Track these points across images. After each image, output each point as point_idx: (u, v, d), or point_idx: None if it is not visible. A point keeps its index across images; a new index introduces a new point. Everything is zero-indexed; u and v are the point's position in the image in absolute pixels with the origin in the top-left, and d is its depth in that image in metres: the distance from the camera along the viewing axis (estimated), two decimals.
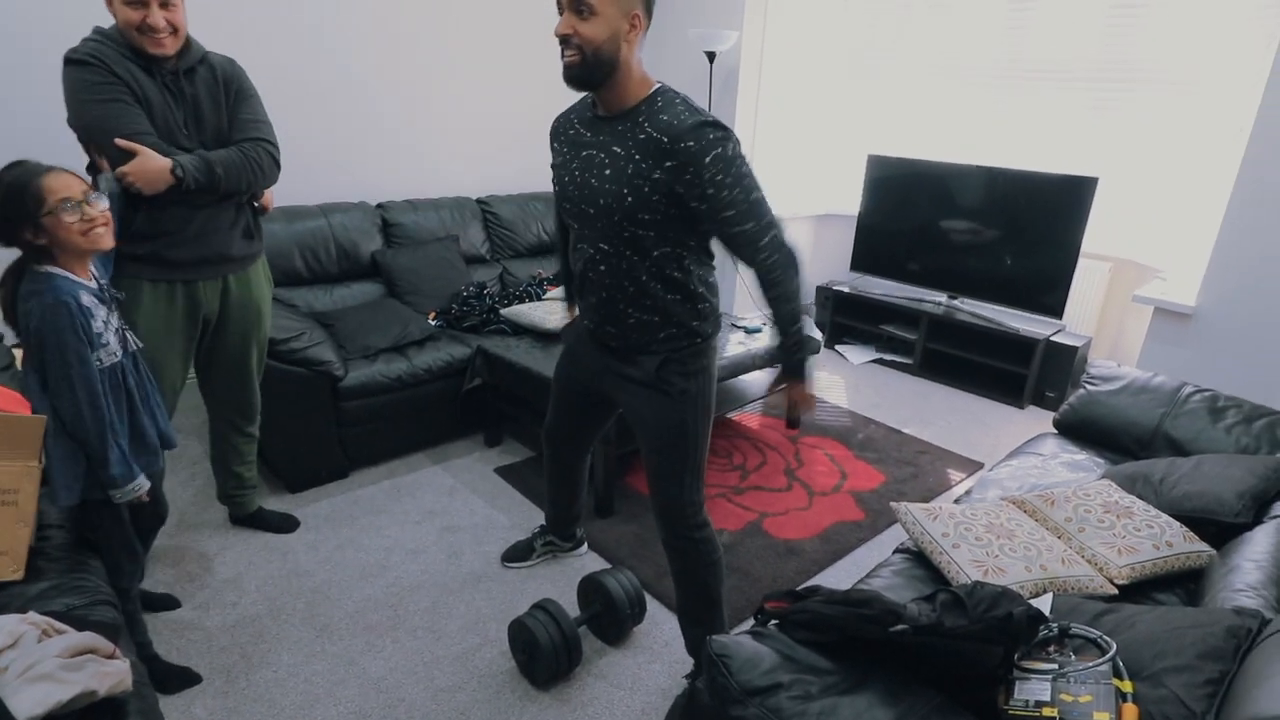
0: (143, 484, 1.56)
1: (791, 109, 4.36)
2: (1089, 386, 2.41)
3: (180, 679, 1.77)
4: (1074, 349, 3.53)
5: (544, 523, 2.31)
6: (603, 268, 1.55)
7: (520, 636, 1.83)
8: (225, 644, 1.90)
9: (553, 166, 1.63)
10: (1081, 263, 3.55)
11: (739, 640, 1.17)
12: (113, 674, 1.14)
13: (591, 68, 1.39)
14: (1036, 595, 1.50)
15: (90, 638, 1.17)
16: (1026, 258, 3.69)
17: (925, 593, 1.32)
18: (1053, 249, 3.57)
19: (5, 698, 1.03)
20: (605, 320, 1.63)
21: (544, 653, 1.76)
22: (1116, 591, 1.56)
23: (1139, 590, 1.60)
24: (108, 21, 1.77)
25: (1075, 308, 3.74)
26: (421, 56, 3.44)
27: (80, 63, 1.71)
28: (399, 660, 1.88)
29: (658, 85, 1.47)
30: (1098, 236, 3.62)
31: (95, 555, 1.64)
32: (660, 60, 4.39)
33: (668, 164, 1.39)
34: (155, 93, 1.78)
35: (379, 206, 3.29)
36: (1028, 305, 3.71)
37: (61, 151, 2.15)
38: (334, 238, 3.05)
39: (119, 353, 1.55)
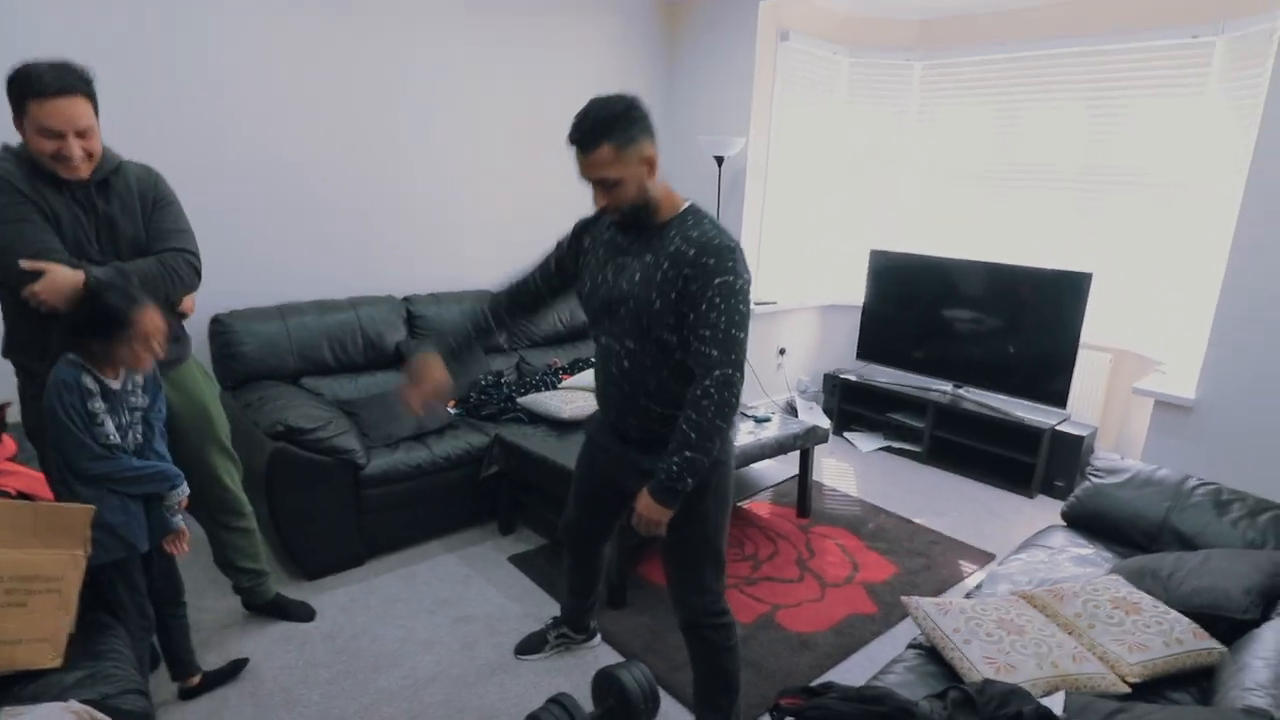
0: (185, 490, 1.80)
1: (795, 206, 4.59)
2: (1094, 479, 2.46)
3: None
4: (1080, 439, 3.58)
5: (558, 614, 2.33)
6: (627, 364, 1.64)
7: None
8: None
9: (578, 257, 1.76)
10: (1083, 353, 3.65)
11: None
12: None
13: (633, 217, 1.58)
14: (1048, 693, 1.51)
15: None
16: (1029, 347, 3.80)
17: (938, 689, 1.35)
18: (1053, 339, 3.68)
19: None
20: (627, 413, 1.71)
21: None
22: (1129, 690, 1.57)
23: (1152, 687, 1.61)
24: (14, 139, 1.75)
25: (1080, 397, 3.82)
26: (447, 159, 3.68)
27: None
28: None
29: (688, 203, 1.62)
30: (1098, 328, 3.74)
31: (121, 641, 1.68)
32: (671, 164, 4.65)
33: (686, 271, 1.51)
34: (64, 209, 1.75)
35: (405, 299, 3.45)
36: (1032, 394, 3.79)
37: None
38: (361, 329, 3.19)
39: (116, 439, 1.67)
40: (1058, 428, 3.66)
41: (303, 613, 2.42)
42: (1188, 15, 3.37)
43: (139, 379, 1.75)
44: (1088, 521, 2.39)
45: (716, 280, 1.47)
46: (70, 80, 1.65)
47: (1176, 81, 3.46)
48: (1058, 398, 3.69)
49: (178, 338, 2.04)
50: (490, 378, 3.31)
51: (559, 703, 1.83)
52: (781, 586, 2.73)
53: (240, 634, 2.32)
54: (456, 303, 3.57)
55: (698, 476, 1.54)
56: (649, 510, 1.58)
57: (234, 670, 2.12)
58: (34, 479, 1.92)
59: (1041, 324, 3.73)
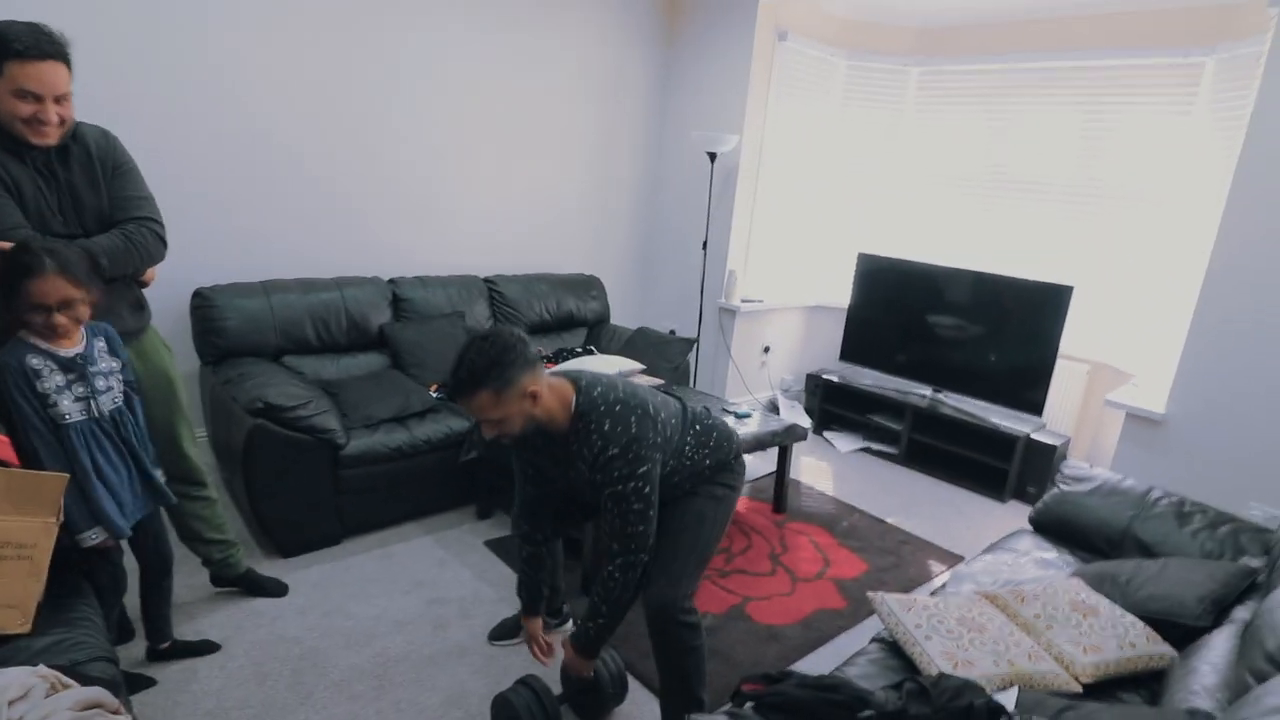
0: (90, 539, 1.68)
1: (786, 206, 4.62)
2: (1062, 486, 2.51)
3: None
4: (1053, 447, 3.64)
5: None
6: None
7: (503, 712, 1.85)
8: (211, 708, 1.91)
9: (526, 461, 1.89)
10: (1061, 364, 3.71)
11: (715, 719, 1.23)
12: None
13: (523, 437, 1.71)
14: (1003, 689, 1.55)
15: (98, 693, 1.23)
16: (1008, 356, 3.85)
17: (896, 681, 1.38)
18: (1033, 349, 3.74)
19: None
20: None
21: None
22: (1081, 689, 1.62)
23: (1104, 689, 1.66)
24: None
25: (1056, 407, 3.88)
26: (438, 143, 3.68)
27: None
28: None
29: (576, 401, 1.70)
30: (1077, 339, 3.80)
31: (92, 610, 1.69)
32: (665, 158, 4.67)
33: (591, 483, 1.73)
34: (26, 179, 1.70)
35: (390, 281, 3.45)
36: (1009, 402, 3.85)
37: None
38: (345, 309, 3.19)
39: (75, 416, 1.65)
40: (1032, 435, 3.72)
41: (275, 588, 2.43)
42: (1181, 35, 3.42)
43: (101, 342, 1.72)
44: (1054, 527, 2.44)
45: (607, 491, 1.67)
46: (53, 46, 1.64)
47: (1165, 100, 3.52)
48: (1034, 406, 3.75)
49: (141, 306, 2.03)
50: None
51: (527, 684, 1.86)
52: (753, 579, 2.76)
53: (210, 608, 2.32)
54: (442, 286, 3.57)
55: (612, 634, 1.79)
56: (573, 661, 1.82)
57: (204, 648, 2.12)
58: (5, 443, 1.91)
59: (1022, 334, 3.79)
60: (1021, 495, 3.76)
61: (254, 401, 2.47)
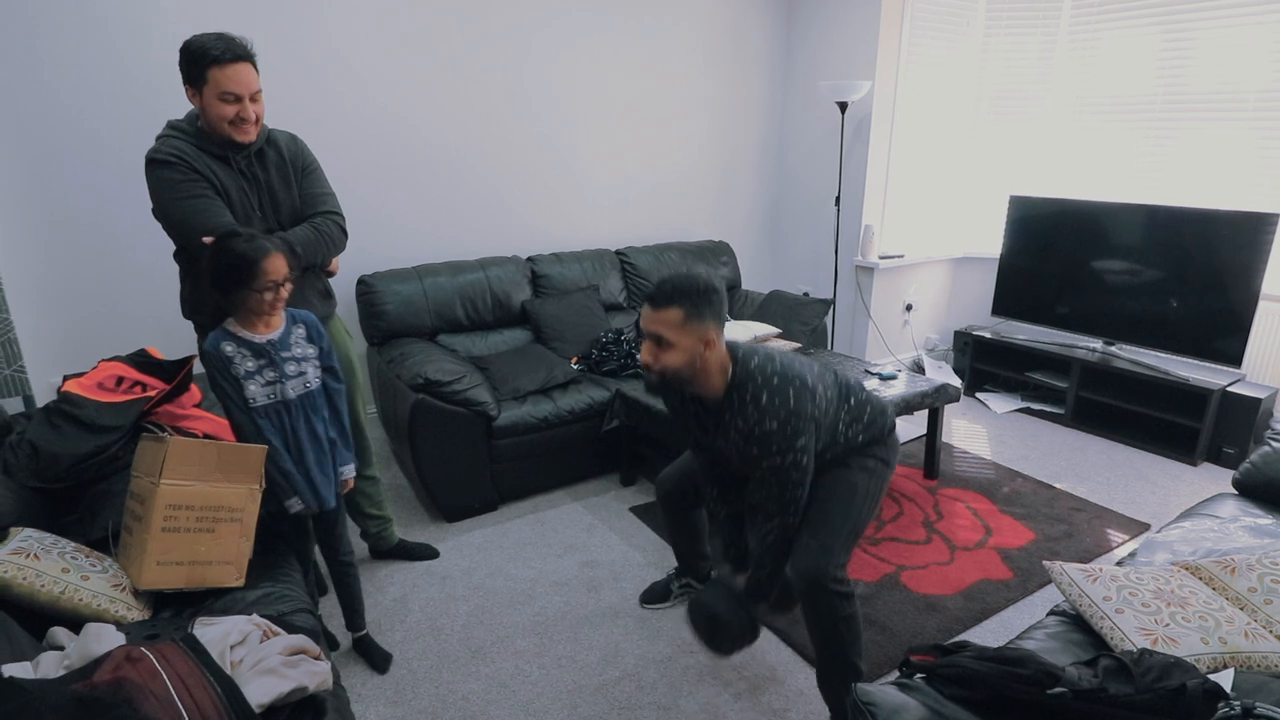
0: (292, 505, 1.83)
1: (925, 153, 4.31)
2: (1274, 444, 2.20)
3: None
4: (1257, 400, 3.20)
5: (677, 565, 2.38)
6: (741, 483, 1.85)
7: (700, 613, 1.75)
8: (396, 658, 2.09)
9: (687, 429, 1.88)
10: (1263, 305, 3.24)
11: (884, 690, 1.18)
12: (319, 673, 1.32)
13: (668, 383, 1.68)
14: (1214, 670, 1.39)
15: (303, 640, 1.36)
16: (1196, 300, 3.41)
17: (1084, 658, 1.27)
18: (1227, 291, 3.29)
19: (241, 685, 1.21)
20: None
21: (724, 622, 1.72)
22: None
23: None
24: (175, 111, 1.91)
25: (1258, 355, 3.41)
26: (566, 119, 3.73)
27: (163, 163, 1.82)
28: (545, 686, 1.99)
29: (731, 375, 1.67)
30: None
31: (294, 568, 1.88)
32: (790, 113, 4.49)
33: (746, 456, 1.70)
34: (232, 181, 1.90)
35: (529, 259, 3.57)
36: (1199, 352, 3.42)
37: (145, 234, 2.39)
38: (490, 289, 3.33)
39: (261, 400, 1.76)
40: (1229, 388, 3.29)
41: (426, 553, 2.60)
42: None
43: (300, 329, 1.84)
44: (1265, 490, 2.14)
45: (765, 464, 1.66)
46: (241, 49, 1.82)
47: None
48: (1230, 356, 3.31)
49: (328, 295, 2.20)
50: (610, 335, 3.37)
51: (717, 582, 1.80)
52: (907, 547, 2.65)
53: (391, 568, 2.53)
54: (576, 261, 3.65)
55: (780, 579, 1.78)
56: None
57: (381, 661, 2.08)
58: (217, 424, 2.15)
59: (1212, 273, 3.34)
60: (1217, 457, 3.35)
61: (415, 378, 2.64)
